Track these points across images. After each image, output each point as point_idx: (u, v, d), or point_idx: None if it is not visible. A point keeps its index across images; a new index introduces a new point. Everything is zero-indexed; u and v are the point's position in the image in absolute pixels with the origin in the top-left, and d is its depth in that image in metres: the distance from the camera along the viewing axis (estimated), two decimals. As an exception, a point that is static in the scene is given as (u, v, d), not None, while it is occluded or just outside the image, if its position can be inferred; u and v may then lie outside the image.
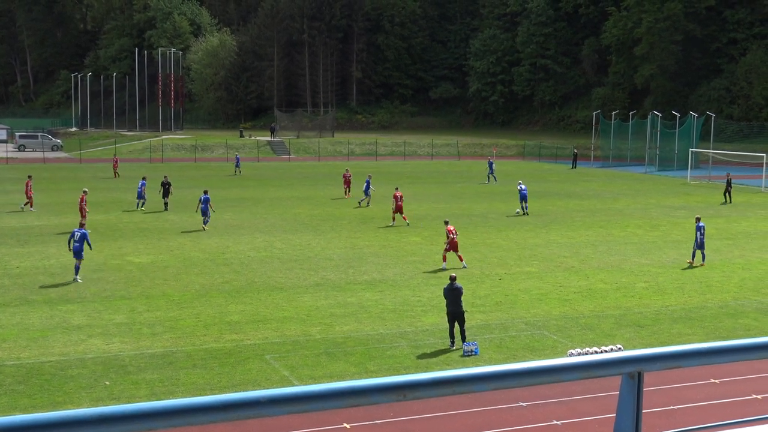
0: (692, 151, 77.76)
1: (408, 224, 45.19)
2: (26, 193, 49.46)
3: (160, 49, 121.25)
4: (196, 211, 44.47)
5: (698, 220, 35.76)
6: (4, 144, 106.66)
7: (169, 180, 51.15)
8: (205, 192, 44.01)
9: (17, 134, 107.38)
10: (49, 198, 54.60)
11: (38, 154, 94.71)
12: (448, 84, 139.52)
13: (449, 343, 23.28)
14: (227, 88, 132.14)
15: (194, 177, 72.00)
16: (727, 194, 58.36)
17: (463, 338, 23.17)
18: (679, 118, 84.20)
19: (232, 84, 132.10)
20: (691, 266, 34.72)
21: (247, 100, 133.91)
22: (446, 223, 35.51)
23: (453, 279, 23.80)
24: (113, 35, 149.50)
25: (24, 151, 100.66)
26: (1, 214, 47.97)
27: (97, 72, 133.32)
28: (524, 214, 49.84)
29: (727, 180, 59.42)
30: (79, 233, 31.21)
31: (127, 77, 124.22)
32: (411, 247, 38.70)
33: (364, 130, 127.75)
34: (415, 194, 60.36)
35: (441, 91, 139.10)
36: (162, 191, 50.44)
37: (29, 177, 50.75)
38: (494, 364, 20.57)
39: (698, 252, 35.03)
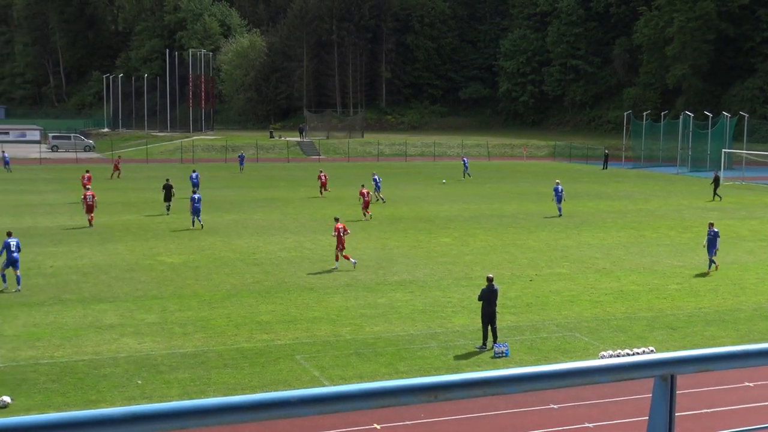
0: (725, 152, 76.96)
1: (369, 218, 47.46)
2: (84, 185, 53.08)
3: (190, 50, 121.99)
4: (191, 213, 43.85)
5: (711, 225, 34.36)
6: (38, 145, 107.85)
7: (171, 183, 50.34)
8: (195, 192, 45.50)
9: (50, 135, 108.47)
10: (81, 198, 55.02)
11: (71, 155, 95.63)
12: (478, 84, 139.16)
13: (480, 345, 23.21)
14: (257, 88, 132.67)
15: (224, 177, 72.37)
16: (715, 193, 58.40)
17: (495, 337, 23.11)
18: (712, 118, 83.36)
19: (262, 85, 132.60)
20: (707, 273, 33.75)
21: (277, 101, 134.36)
22: (336, 220, 34.33)
23: (491, 280, 23.71)
24: (144, 36, 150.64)
25: (57, 151, 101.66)
26: (36, 214, 48.48)
27: (129, 73, 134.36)
28: (558, 215, 49.49)
29: (715, 177, 59.71)
30: (14, 242, 29.70)
31: (158, 78, 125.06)
32: (441, 248, 38.65)
33: (393, 130, 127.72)
34: (446, 195, 60.29)
35: (471, 92, 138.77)
36: (164, 194, 49.57)
37: (87, 171, 55.94)
38: (525, 365, 20.48)
39: (712, 257, 33.85)
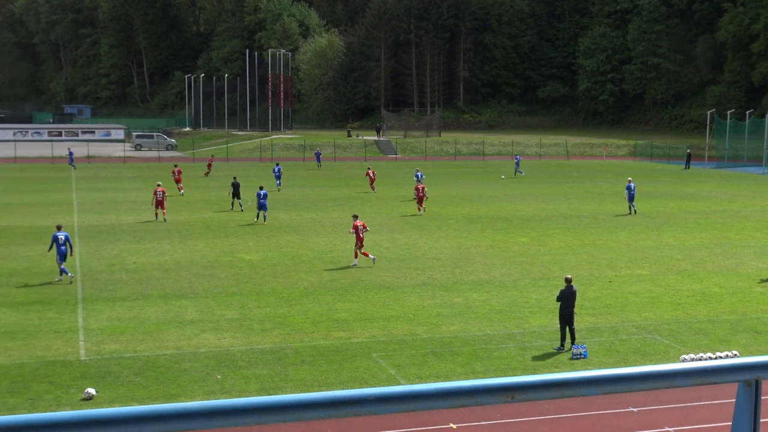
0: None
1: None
2: (176, 181, 57.76)
3: (270, 50, 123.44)
4: (257, 208, 45.66)
5: None
6: (122, 143, 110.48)
7: (238, 181, 51.20)
8: (261, 188, 46.24)
9: (134, 134, 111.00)
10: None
11: (153, 153, 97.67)
12: (557, 83, 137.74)
13: (558, 346, 22.98)
14: (335, 88, 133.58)
15: (302, 176, 73.05)
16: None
17: (573, 338, 22.85)
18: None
19: (340, 84, 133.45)
20: None
21: (355, 100, 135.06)
22: (355, 217, 34.69)
23: (569, 281, 23.44)
24: (225, 37, 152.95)
25: (140, 150, 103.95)
26: (119, 211, 49.65)
27: (210, 73, 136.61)
28: (633, 212, 49.33)
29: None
30: (63, 235, 30.77)
31: (238, 78, 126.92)
32: (519, 248, 38.37)
33: (470, 129, 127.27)
34: (523, 194, 59.83)
35: (549, 90, 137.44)
36: (232, 191, 50.60)
37: (175, 166, 58.88)
38: (604, 367, 20.21)
39: None
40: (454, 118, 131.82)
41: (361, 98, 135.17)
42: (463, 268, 33.60)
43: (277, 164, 65.09)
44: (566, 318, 22.94)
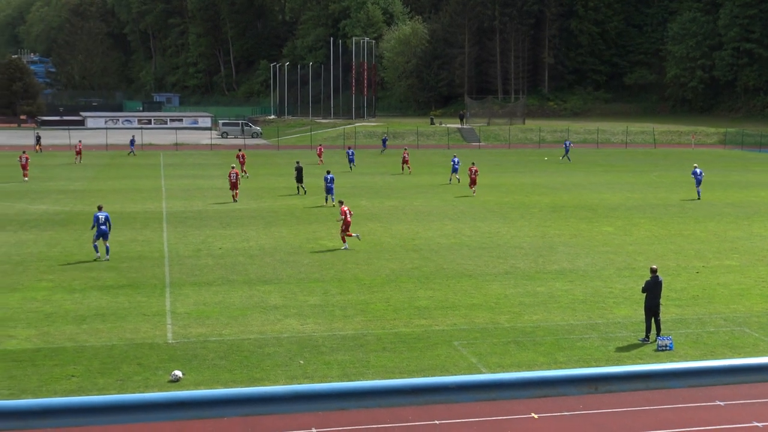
0: None
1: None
2: (241, 164, 60.58)
3: (354, 38, 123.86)
4: (325, 192, 47.86)
5: None
6: (209, 131, 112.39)
7: (301, 165, 53.63)
8: (329, 172, 48.59)
9: (220, 122, 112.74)
10: (249, 183, 57.01)
11: (239, 141, 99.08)
12: (644, 69, 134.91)
13: (643, 337, 22.61)
14: (418, 75, 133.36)
15: (385, 164, 73.20)
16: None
17: (659, 330, 22.45)
18: None
19: (423, 71, 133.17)
20: None
21: (438, 88, 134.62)
22: (341, 203, 36.25)
23: (654, 271, 22.98)
24: (309, 25, 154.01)
25: (226, 138, 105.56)
26: (206, 197, 50.56)
27: (294, 61, 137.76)
28: (697, 198, 50.20)
29: None
30: (103, 215, 32.14)
31: (322, 66, 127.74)
32: (603, 237, 37.83)
33: (555, 117, 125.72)
34: (609, 183, 58.93)
35: (636, 77, 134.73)
36: (296, 176, 52.73)
37: (240, 150, 62.24)
38: (690, 360, 19.82)
39: None
40: (539, 106, 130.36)
41: (445, 86, 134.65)
42: (546, 257, 33.28)
43: (350, 147, 73.25)
44: (652, 309, 22.54)
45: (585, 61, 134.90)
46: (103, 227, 31.89)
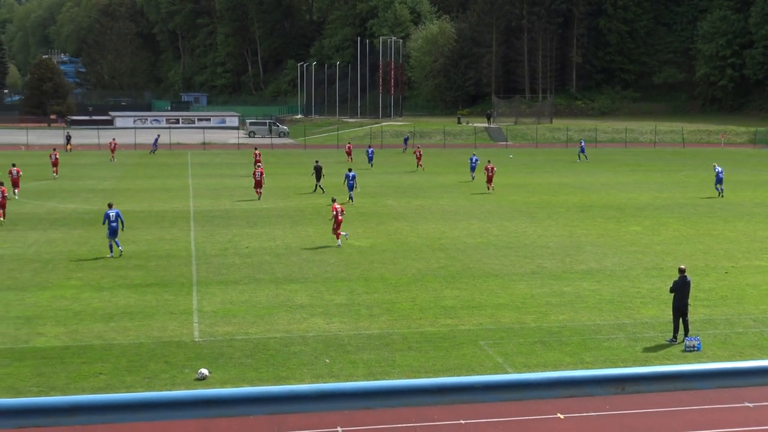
0: None
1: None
2: (255, 162, 60.19)
3: (381, 37, 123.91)
4: (343, 184, 49.11)
5: None
6: (236, 131, 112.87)
7: (320, 164, 54.40)
8: (350, 170, 49.67)
9: (247, 121, 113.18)
10: (276, 182, 57.16)
11: (266, 140, 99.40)
12: (673, 68, 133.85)
13: (670, 338, 22.45)
14: (445, 75, 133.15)
15: (411, 163, 73.13)
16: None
17: (687, 330, 22.27)
18: None
19: (451, 71, 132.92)
20: None
21: (465, 87, 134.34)
22: (333, 200, 36.97)
23: (683, 271, 22.80)
24: (337, 25, 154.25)
25: (254, 137, 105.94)
26: (233, 197, 50.78)
27: (322, 61, 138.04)
28: (720, 196, 50.55)
29: None
30: (114, 213, 32.53)
31: (349, 66, 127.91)
32: (631, 237, 37.60)
33: (583, 116, 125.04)
34: (636, 182, 58.57)
35: (665, 76, 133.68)
36: (314, 174, 53.50)
37: (255, 148, 61.52)
38: (718, 361, 19.64)
39: None
40: (566, 105, 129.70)
41: (472, 85, 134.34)
42: (573, 257, 33.13)
43: (370, 146, 75.04)
44: (680, 309, 22.37)
45: (613, 60, 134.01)
46: (113, 224, 32.29)
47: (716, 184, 51.14)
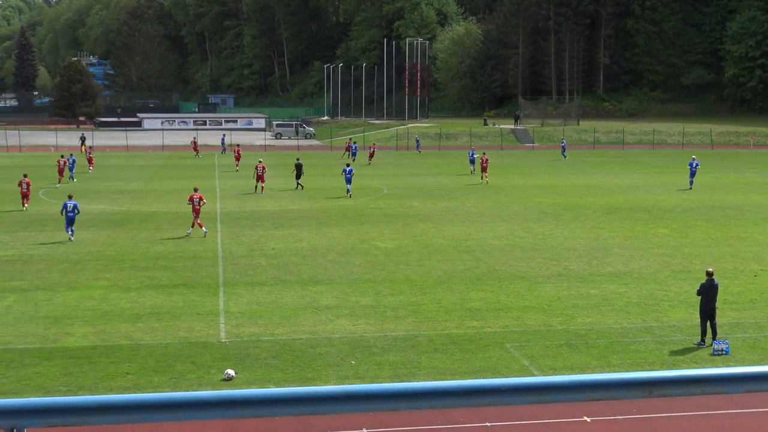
0: None
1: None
2: (236, 158, 66.84)
3: (407, 39, 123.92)
4: (346, 183, 51.10)
5: None
6: (263, 132, 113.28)
7: (301, 162, 56.57)
8: (348, 165, 52.61)
9: (274, 123, 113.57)
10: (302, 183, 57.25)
11: (293, 142, 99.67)
12: (702, 69, 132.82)
13: (698, 341, 22.27)
14: (472, 76, 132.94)
15: (438, 165, 73.10)
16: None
17: (714, 333, 22.09)
18: None
19: (477, 72, 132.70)
20: None
21: (492, 89, 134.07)
22: (195, 190, 38.49)
23: (710, 274, 22.61)
24: (363, 27, 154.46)
25: (280, 138, 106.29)
26: (260, 198, 50.97)
27: (348, 63, 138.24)
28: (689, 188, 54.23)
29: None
30: (72, 204, 36.12)
31: (375, 67, 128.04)
32: (658, 239, 37.35)
33: (610, 117, 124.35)
34: (664, 184, 58.18)
35: (694, 77, 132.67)
36: (295, 173, 55.27)
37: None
38: (747, 364, 19.45)
39: None
40: (593, 106, 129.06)
41: (498, 86, 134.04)
42: (600, 260, 32.96)
43: (354, 143, 78.69)
44: (708, 312, 22.19)
45: (641, 61, 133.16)
46: (71, 214, 35.89)
47: (690, 177, 54.87)
